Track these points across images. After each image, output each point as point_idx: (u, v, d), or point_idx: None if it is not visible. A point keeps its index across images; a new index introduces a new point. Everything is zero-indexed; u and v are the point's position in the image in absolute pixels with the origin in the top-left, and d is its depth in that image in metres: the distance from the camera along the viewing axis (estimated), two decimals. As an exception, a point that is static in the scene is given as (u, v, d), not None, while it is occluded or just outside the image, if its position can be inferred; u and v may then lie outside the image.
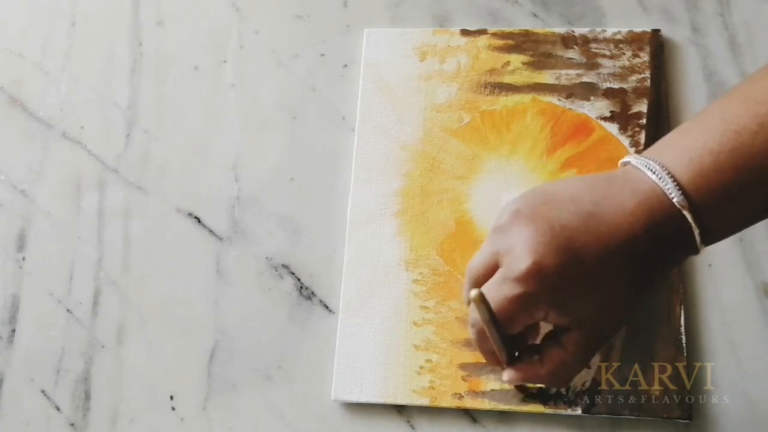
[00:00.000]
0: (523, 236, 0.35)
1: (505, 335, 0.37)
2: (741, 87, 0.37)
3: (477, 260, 0.38)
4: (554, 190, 0.37)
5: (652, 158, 0.35)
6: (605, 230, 0.34)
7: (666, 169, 0.34)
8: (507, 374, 0.39)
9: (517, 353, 0.40)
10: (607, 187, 0.36)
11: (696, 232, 0.34)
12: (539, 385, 0.50)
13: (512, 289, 0.35)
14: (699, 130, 0.36)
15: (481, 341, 0.38)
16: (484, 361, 0.41)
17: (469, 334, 0.40)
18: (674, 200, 0.34)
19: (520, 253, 0.34)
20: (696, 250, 0.36)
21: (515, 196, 0.38)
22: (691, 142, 0.35)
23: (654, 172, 0.35)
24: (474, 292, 0.34)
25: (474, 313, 0.37)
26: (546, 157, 0.58)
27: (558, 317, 0.36)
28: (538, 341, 0.40)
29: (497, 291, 0.35)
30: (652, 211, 0.34)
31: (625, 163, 0.37)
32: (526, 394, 0.51)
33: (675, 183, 0.34)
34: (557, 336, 0.37)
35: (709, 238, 0.35)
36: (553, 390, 0.51)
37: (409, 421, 0.53)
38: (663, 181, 0.34)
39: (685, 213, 0.34)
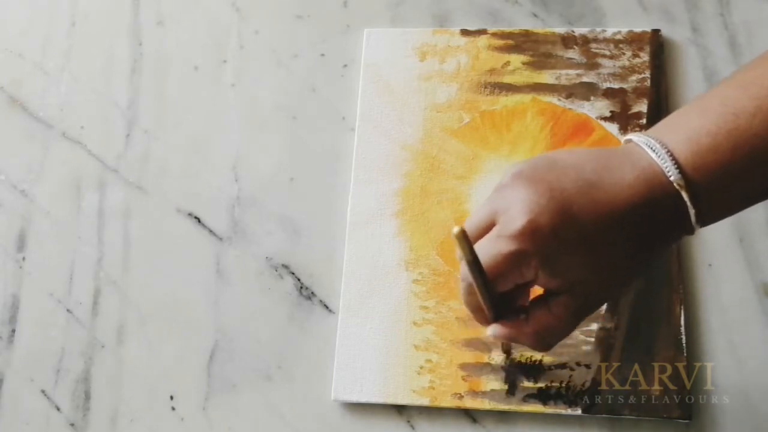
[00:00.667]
0: (521, 196, 0.35)
1: (494, 291, 0.37)
2: (741, 71, 0.38)
3: (474, 217, 0.38)
4: (558, 157, 0.38)
5: (652, 136, 0.36)
6: (603, 198, 0.35)
7: (665, 148, 0.35)
8: (491, 329, 0.40)
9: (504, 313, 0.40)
10: (608, 159, 0.37)
11: (691, 211, 0.35)
12: (522, 348, 0.51)
13: (505, 246, 0.35)
14: (698, 112, 0.36)
15: (468, 295, 0.39)
16: (477, 323, 0.41)
17: (460, 294, 0.40)
18: (671, 178, 0.35)
19: (517, 212, 0.35)
20: (691, 230, 0.36)
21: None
22: (691, 123, 0.36)
23: (653, 150, 0.35)
24: (456, 229, 0.34)
25: (464, 267, 0.37)
26: (546, 157, 0.58)
27: (548, 278, 0.36)
28: (526, 304, 0.40)
29: (491, 247, 0.36)
30: (650, 187, 0.35)
31: (628, 141, 0.38)
32: (508, 356, 0.51)
33: (673, 161, 0.35)
34: (546, 299, 0.38)
35: (705, 218, 0.36)
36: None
37: (409, 421, 0.53)
38: (662, 159, 0.35)
39: (682, 192, 0.35)
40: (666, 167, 0.35)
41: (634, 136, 0.37)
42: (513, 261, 0.35)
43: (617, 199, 0.35)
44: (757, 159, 0.35)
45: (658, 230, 0.36)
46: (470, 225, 0.38)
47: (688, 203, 0.35)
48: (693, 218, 0.35)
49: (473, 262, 0.35)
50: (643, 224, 0.35)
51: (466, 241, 0.34)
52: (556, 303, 0.37)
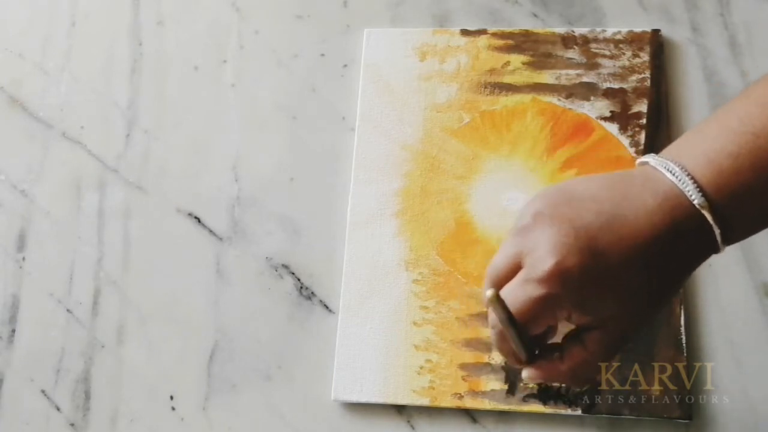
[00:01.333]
0: (545, 237, 0.35)
1: (526, 335, 0.37)
2: (758, 88, 0.37)
3: (498, 260, 0.37)
4: (573, 189, 0.37)
5: (670, 159, 0.36)
6: (627, 231, 0.34)
7: (685, 171, 0.35)
8: (527, 372, 0.39)
9: (537, 351, 0.40)
10: (626, 187, 0.36)
11: (717, 232, 0.35)
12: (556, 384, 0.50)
13: (535, 290, 0.35)
14: (717, 132, 0.36)
15: (500, 341, 0.38)
16: (489, 361, 0.41)
17: (489, 335, 0.39)
18: (695, 202, 0.34)
19: (543, 254, 0.34)
20: (717, 250, 0.36)
21: (533, 195, 0.38)
22: (710, 144, 0.35)
23: (673, 173, 0.35)
24: (490, 292, 0.33)
25: (492, 314, 0.37)
26: (546, 157, 0.58)
27: (581, 317, 0.36)
28: (558, 340, 0.40)
29: (520, 292, 0.35)
30: (672, 212, 0.35)
31: (643, 163, 0.37)
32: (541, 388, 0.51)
33: (695, 185, 0.34)
34: (579, 335, 0.37)
35: (730, 238, 0.36)
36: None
37: (409, 421, 0.53)
38: (683, 183, 0.34)
39: (706, 214, 0.34)
40: (688, 191, 0.34)
41: (650, 159, 0.37)
42: (544, 305, 0.35)
43: (641, 229, 0.34)
44: None
45: (683, 254, 0.36)
46: (494, 269, 0.37)
47: (713, 224, 0.34)
48: (719, 239, 0.35)
49: (508, 319, 0.35)
50: (669, 251, 0.35)
51: (500, 303, 0.34)
52: (590, 339, 0.36)
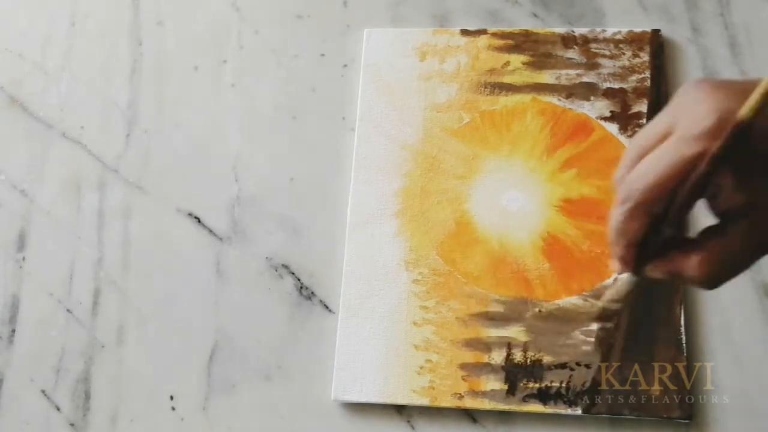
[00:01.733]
0: (707, 98, 0.31)
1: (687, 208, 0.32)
2: None
3: (646, 130, 0.33)
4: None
5: None
6: None
7: None
8: (651, 266, 0.35)
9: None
10: None
11: None
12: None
13: (690, 147, 0.30)
14: None
15: (631, 220, 0.33)
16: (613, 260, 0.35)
17: (614, 214, 0.33)
18: None
19: (704, 111, 0.30)
20: None
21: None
22: None
23: None
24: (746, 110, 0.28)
25: (643, 179, 0.31)
26: (546, 157, 0.58)
27: (733, 191, 0.31)
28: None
29: (672, 151, 0.31)
30: None
31: None
32: (610, 319, 0.43)
33: None
34: (720, 228, 0.33)
35: None
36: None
37: (409, 421, 0.53)
38: None
39: None
40: None
41: None
42: (700, 164, 0.30)
43: None
44: None
45: None
46: (641, 137, 0.33)
47: None
48: None
49: (719, 156, 0.29)
50: None
51: (765, 103, 0.28)
52: (733, 228, 0.32)
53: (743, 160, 0.31)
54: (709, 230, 0.34)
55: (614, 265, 0.36)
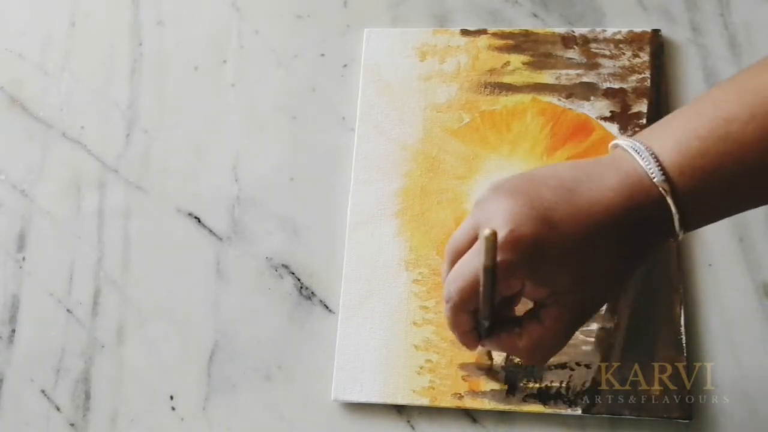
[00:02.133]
0: (501, 207, 0.35)
1: (493, 300, 0.36)
2: (738, 77, 0.37)
3: (457, 234, 0.37)
4: (537, 171, 0.37)
5: (639, 140, 0.36)
6: (584, 204, 0.34)
7: (651, 151, 0.35)
8: (487, 341, 0.39)
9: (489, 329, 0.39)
10: (591, 166, 0.36)
11: (675, 215, 0.34)
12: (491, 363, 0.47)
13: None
14: (690, 116, 0.36)
15: (456, 315, 0.37)
16: (470, 351, 0.40)
17: (444, 309, 0.38)
18: (655, 180, 0.34)
19: (498, 223, 0.34)
20: (675, 234, 0.35)
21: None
22: (680, 127, 0.35)
23: (638, 153, 0.35)
24: (487, 231, 0.32)
25: (456, 282, 0.36)
26: (546, 157, 0.58)
27: (535, 289, 0.35)
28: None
29: (475, 260, 0.35)
30: (632, 190, 0.34)
31: (615, 146, 0.38)
32: (487, 370, 0.48)
33: (658, 164, 0.34)
34: (537, 312, 0.37)
35: (689, 223, 0.35)
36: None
37: (409, 421, 0.53)
38: (646, 162, 0.34)
39: (665, 194, 0.34)
40: (650, 169, 0.34)
41: (621, 141, 0.37)
42: (498, 272, 0.34)
43: (598, 203, 0.34)
44: (746, 167, 0.34)
45: (641, 235, 0.35)
46: (453, 242, 0.37)
47: (672, 206, 0.34)
48: (677, 222, 0.35)
49: (490, 269, 0.33)
50: (625, 228, 0.35)
51: (494, 245, 0.33)
52: (546, 315, 0.36)
53: (529, 263, 0.34)
54: (528, 314, 0.37)
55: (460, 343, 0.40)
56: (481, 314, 0.37)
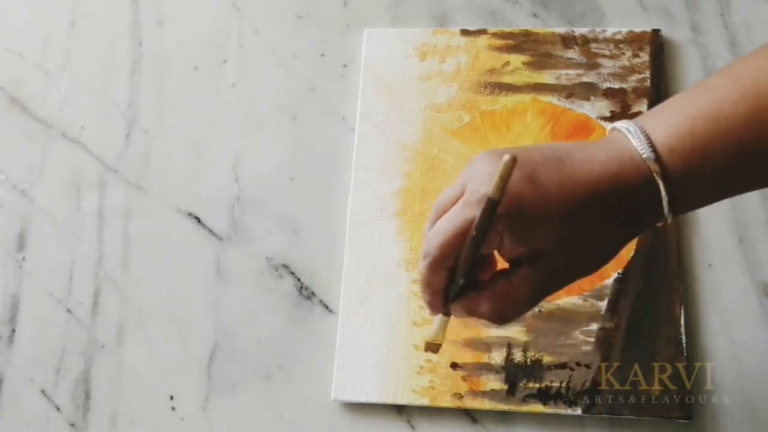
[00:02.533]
0: (488, 165, 0.35)
1: (480, 247, 0.35)
2: (732, 64, 0.38)
3: (445, 193, 0.38)
4: (533, 145, 0.38)
5: (634, 122, 0.37)
6: (571, 171, 0.35)
7: (643, 130, 0.35)
8: (449, 306, 0.39)
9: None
10: (587, 144, 0.37)
11: (663, 195, 0.35)
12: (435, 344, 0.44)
13: (471, 211, 0.35)
14: (684, 100, 0.36)
15: (433, 274, 0.37)
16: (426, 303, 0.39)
17: (420, 266, 0.38)
18: (644, 156, 0.35)
19: (483, 180, 0.35)
20: (662, 216, 0.36)
21: None
22: (674, 110, 0.36)
23: (631, 132, 0.36)
24: (507, 157, 0.31)
25: (438, 237, 0.35)
26: (546, 157, 0.58)
27: (512, 246, 0.35)
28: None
29: (458, 214, 0.35)
30: (622, 165, 0.35)
31: (612, 129, 0.38)
32: (435, 351, 0.44)
33: (648, 142, 0.35)
34: (508, 272, 0.37)
35: (677, 205, 0.35)
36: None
37: (409, 421, 0.53)
38: (637, 139, 0.35)
39: (654, 173, 0.34)
40: (640, 147, 0.35)
41: (618, 123, 0.37)
42: (482, 222, 0.34)
43: (586, 173, 0.35)
44: (737, 147, 0.34)
45: (627, 211, 0.35)
46: (440, 199, 0.38)
47: (661, 184, 0.34)
48: (665, 204, 0.35)
49: (494, 201, 0.33)
50: (611, 202, 0.35)
51: (508, 174, 0.32)
52: (517, 275, 0.36)
53: (509, 219, 0.34)
54: (499, 273, 0.37)
55: (426, 307, 0.40)
56: (459, 270, 0.36)
